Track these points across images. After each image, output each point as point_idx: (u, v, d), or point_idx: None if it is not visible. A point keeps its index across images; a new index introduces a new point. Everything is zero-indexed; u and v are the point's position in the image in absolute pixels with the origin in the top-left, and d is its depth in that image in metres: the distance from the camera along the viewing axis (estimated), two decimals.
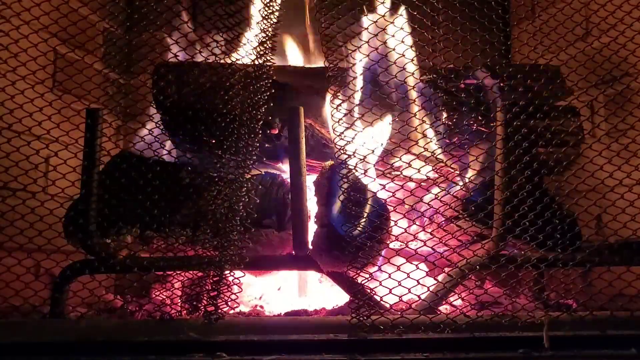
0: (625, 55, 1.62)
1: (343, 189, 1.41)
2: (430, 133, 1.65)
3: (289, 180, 1.52)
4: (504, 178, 1.44)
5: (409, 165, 1.43)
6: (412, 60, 1.55)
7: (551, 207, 1.41)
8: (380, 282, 1.34)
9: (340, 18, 1.45)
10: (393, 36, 1.49)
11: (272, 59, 1.59)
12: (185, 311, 1.53)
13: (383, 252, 1.50)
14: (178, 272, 1.58)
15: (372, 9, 1.54)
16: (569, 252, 1.41)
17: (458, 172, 1.68)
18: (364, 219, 1.40)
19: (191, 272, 1.53)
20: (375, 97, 1.53)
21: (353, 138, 1.39)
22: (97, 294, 1.57)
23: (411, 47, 1.51)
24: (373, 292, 1.36)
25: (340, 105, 1.41)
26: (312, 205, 1.55)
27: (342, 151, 1.39)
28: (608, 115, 1.76)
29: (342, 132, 1.39)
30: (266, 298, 1.82)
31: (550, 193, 1.46)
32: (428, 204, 1.59)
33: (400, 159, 1.45)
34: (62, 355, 1.17)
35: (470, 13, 1.51)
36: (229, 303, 1.35)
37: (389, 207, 1.52)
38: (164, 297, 1.62)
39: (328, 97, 1.58)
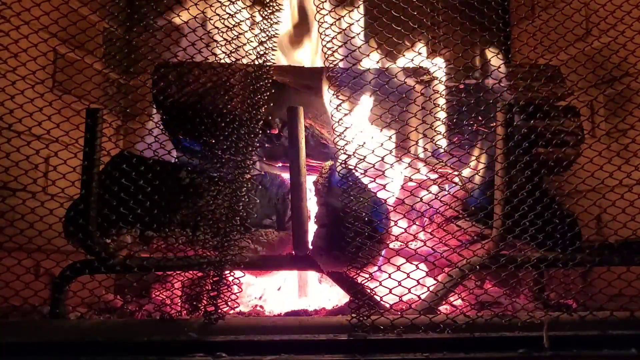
0: (625, 55, 1.62)
1: (343, 189, 1.41)
2: (431, 133, 1.65)
3: (289, 180, 1.52)
4: (504, 178, 1.44)
5: (409, 165, 1.43)
6: (412, 60, 1.54)
7: (551, 207, 1.41)
8: (380, 282, 1.34)
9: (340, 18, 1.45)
10: (393, 36, 1.49)
11: (272, 58, 1.59)
12: (185, 311, 1.53)
13: (383, 252, 1.50)
14: (178, 272, 1.58)
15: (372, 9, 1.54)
16: (569, 252, 1.41)
17: (458, 172, 1.68)
18: (363, 219, 1.40)
19: (191, 272, 1.53)
20: (375, 97, 1.53)
21: (353, 138, 1.39)
22: (97, 294, 1.57)
23: (411, 46, 1.51)
24: (373, 292, 1.36)
25: (340, 105, 1.41)
26: (312, 205, 1.55)
27: (342, 151, 1.39)
28: (608, 115, 1.76)
29: (342, 132, 1.39)
30: (266, 298, 1.82)
31: (550, 193, 1.46)
32: (428, 204, 1.59)
33: (401, 159, 1.45)
34: (62, 355, 1.17)
35: (470, 13, 1.51)
36: (229, 303, 1.35)
37: (388, 207, 1.52)
38: (164, 297, 1.62)
39: (328, 97, 1.58)
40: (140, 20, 1.59)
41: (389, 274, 1.33)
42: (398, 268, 1.34)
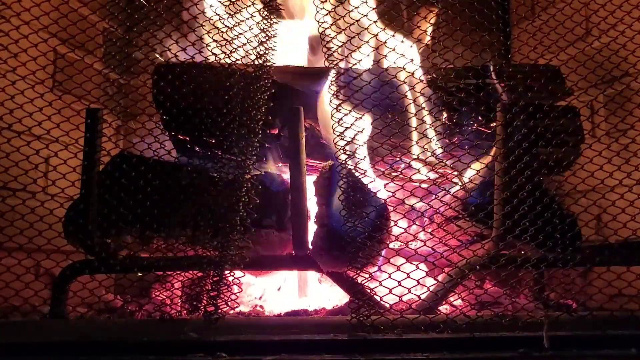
0: (625, 55, 1.62)
1: (343, 189, 1.41)
2: (431, 133, 1.65)
3: (289, 180, 1.52)
4: (504, 178, 1.44)
5: (409, 165, 1.43)
6: (412, 60, 1.54)
7: (551, 207, 1.41)
8: (380, 282, 1.34)
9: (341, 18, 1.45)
10: (393, 36, 1.49)
11: (272, 59, 1.59)
12: (185, 311, 1.53)
13: (383, 252, 1.50)
14: (178, 272, 1.58)
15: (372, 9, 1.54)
16: (569, 252, 1.41)
17: (457, 172, 1.68)
18: (363, 219, 1.40)
19: (191, 272, 1.53)
20: (375, 97, 1.53)
21: (353, 138, 1.39)
22: (97, 294, 1.57)
23: (411, 47, 1.51)
24: (373, 292, 1.36)
25: (340, 105, 1.40)
26: (312, 205, 1.55)
27: (342, 151, 1.39)
28: (608, 115, 1.76)
29: (342, 132, 1.39)
30: (266, 298, 1.82)
31: (550, 193, 1.45)
32: (428, 204, 1.59)
33: (401, 159, 1.45)
34: (62, 355, 1.17)
35: (470, 13, 1.51)
36: (229, 303, 1.35)
37: (389, 207, 1.52)
38: (164, 297, 1.62)
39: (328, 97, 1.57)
40: (140, 20, 1.59)
41: (389, 274, 1.33)
42: (398, 268, 1.34)
